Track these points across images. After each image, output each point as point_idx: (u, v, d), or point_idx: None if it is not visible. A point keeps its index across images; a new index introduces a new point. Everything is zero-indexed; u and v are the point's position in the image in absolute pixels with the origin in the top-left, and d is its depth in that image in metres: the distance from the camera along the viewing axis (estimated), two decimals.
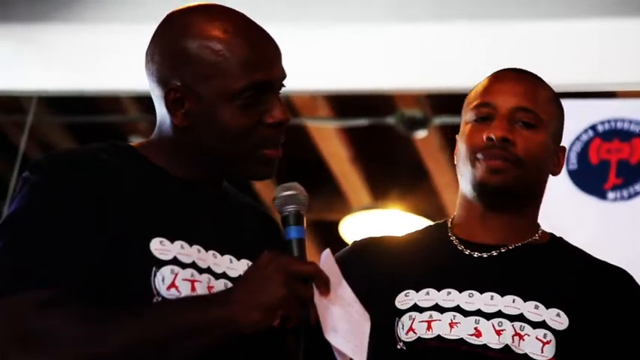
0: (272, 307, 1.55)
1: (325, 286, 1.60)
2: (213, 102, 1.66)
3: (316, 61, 3.97)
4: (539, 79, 2.06)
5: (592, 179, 3.62)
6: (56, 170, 1.63)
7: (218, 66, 1.66)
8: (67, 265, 1.56)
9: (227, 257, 1.71)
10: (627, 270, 2.02)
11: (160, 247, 1.62)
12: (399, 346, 1.90)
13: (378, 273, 1.73)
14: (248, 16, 1.73)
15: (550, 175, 2.05)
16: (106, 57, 3.99)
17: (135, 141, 1.79)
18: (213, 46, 1.66)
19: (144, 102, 5.29)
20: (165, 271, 1.61)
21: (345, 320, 1.63)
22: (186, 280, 1.63)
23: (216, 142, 1.68)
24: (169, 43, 1.70)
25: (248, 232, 1.77)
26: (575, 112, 3.67)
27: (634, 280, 1.99)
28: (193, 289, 1.63)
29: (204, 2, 1.74)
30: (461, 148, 2.00)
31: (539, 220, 2.06)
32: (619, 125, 3.67)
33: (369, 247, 1.76)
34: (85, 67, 4.05)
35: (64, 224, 1.59)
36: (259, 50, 1.69)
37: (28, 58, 4.10)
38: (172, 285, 1.61)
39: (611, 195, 3.60)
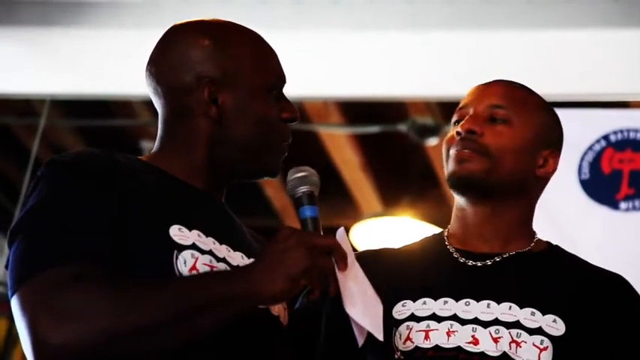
0: (295, 276, 1.57)
1: (343, 261, 1.63)
2: (247, 96, 1.76)
3: (328, 67, 3.97)
4: (519, 84, 2.07)
5: (604, 189, 3.61)
6: (73, 163, 1.67)
7: (249, 62, 1.77)
8: (93, 244, 1.59)
9: (239, 253, 1.74)
10: (639, 279, 2.01)
11: (178, 234, 1.66)
12: (396, 356, 1.90)
13: (375, 285, 1.74)
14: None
15: (550, 182, 2.05)
16: (118, 61, 4.00)
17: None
18: (240, 44, 1.79)
19: (155, 106, 5.29)
20: (187, 254, 1.65)
21: (361, 299, 1.66)
22: (205, 264, 1.66)
23: (249, 134, 1.76)
24: (192, 43, 1.78)
25: (251, 241, 1.83)
26: (587, 121, 3.66)
27: (630, 286, 1.98)
28: None
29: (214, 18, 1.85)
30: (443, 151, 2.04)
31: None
32: (632, 135, 3.66)
33: (366, 260, 1.77)
34: (97, 71, 4.06)
35: (87, 208, 1.62)
36: (272, 51, 1.84)
37: (40, 62, 4.11)
38: (194, 267, 1.65)
39: (623, 205, 3.59)
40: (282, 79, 1.81)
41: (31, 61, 4.10)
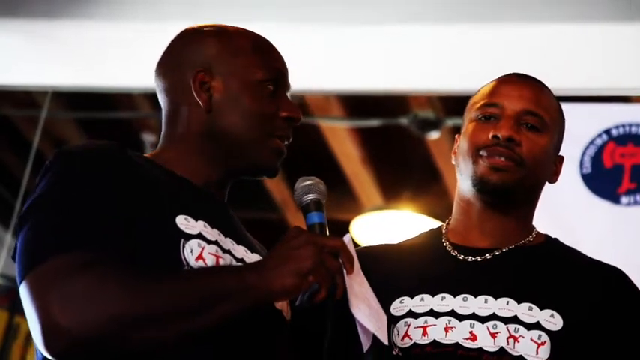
0: (304, 272, 1.59)
1: (350, 262, 1.65)
2: (239, 87, 1.78)
3: (330, 61, 3.97)
4: (545, 85, 2.07)
5: (605, 183, 3.61)
6: (82, 153, 1.68)
7: (245, 55, 1.80)
8: (103, 231, 1.60)
9: (242, 247, 1.76)
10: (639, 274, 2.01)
11: (185, 223, 1.67)
12: (394, 352, 1.90)
13: (372, 282, 1.74)
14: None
15: (555, 182, 2.06)
16: (120, 54, 4.00)
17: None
18: (240, 39, 1.82)
19: (156, 99, 5.29)
20: (193, 243, 1.66)
21: (366, 303, 1.68)
22: (211, 254, 1.67)
23: (237, 124, 1.77)
24: (195, 41, 1.82)
25: (252, 239, 1.84)
26: (589, 116, 3.66)
27: (629, 279, 1.98)
28: (218, 264, 1.68)
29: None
30: (462, 145, 2.01)
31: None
32: (633, 130, 3.66)
33: (363, 256, 1.78)
34: (99, 64, 4.05)
35: (95, 196, 1.63)
36: (275, 50, 1.86)
37: (42, 54, 4.11)
38: (200, 256, 1.66)
39: (624, 199, 3.59)
40: (279, 76, 1.81)
41: (32, 53, 4.10)
